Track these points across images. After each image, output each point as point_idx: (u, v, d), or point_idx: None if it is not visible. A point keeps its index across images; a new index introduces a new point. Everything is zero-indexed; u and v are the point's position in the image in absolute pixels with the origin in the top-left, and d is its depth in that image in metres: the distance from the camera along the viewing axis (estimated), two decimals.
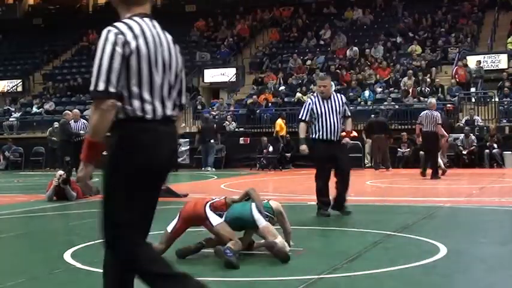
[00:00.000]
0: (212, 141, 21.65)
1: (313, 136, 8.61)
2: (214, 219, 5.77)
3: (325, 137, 8.47)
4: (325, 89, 8.56)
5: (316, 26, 31.18)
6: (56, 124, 23.63)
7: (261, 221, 5.74)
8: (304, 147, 8.66)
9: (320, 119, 8.47)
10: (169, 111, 3.22)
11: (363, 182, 15.30)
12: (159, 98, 3.15)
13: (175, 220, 5.89)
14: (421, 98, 22.91)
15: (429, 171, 15.54)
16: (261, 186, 14.31)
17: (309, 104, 8.64)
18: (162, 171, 3.27)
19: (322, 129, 8.46)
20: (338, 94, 8.95)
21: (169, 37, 3.31)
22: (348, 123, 8.95)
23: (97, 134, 3.05)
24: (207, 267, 5.55)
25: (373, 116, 20.97)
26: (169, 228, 5.86)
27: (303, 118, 8.64)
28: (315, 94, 8.79)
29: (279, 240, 5.71)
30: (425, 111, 15.58)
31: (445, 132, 15.98)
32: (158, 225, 8.05)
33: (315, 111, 8.52)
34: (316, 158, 8.65)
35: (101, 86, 3.02)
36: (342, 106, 8.61)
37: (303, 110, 8.72)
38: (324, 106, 8.50)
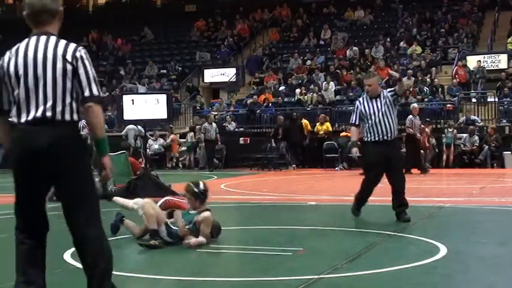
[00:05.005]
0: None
1: (365, 139, 8.15)
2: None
3: (376, 138, 8.00)
4: (370, 88, 8.08)
5: (316, 26, 31.17)
6: None
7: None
8: (354, 150, 8.33)
9: (370, 120, 8.00)
10: (31, 115, 3.68)
11: None
12: (17, 105, 3.74)
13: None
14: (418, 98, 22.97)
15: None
16: (261, 187, 14.30)
17: (357, 106, 8.21)
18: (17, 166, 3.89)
19: (373, 130, 8.00)
20: (384, 91, 8.29)
21: (51, 45, 3.99)
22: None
23: None
24: (207, 267, 5.56)
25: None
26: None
27: (354, 122, 8.24)
28: (364, 95, 8.38)
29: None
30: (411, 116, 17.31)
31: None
32: None
33: (364, 112, 8.06)
34: (366, 162, 8.33)
35: None
36: (392, 101, 8.09)
37: (353, 113, 8.35)
38: (373, 106, 8.03)
